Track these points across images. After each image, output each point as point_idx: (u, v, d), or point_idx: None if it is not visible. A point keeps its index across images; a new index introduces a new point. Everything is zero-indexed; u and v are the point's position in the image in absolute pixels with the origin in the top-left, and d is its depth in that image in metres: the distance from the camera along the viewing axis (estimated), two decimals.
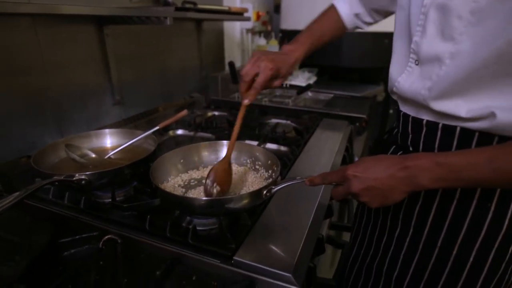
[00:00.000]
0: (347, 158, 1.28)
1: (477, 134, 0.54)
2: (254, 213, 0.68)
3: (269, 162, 0.75)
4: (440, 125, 0.59)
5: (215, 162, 0.73)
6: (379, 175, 0.50)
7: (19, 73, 0.91)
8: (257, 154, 0.80)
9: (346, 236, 1.00)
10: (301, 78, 1.99)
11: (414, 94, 0.60)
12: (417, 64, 0.60)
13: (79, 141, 0.88)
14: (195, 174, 0.79)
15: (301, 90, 1.62)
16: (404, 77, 0.63)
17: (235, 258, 0.57)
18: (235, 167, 0.81)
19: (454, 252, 0.60)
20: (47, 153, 0.81)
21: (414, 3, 0.59)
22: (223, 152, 0.82)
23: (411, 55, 0.61)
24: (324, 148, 1.07)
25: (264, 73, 0.69)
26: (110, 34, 1.14)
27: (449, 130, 0.58)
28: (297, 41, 0.82)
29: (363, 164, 0.52)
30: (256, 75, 0.70)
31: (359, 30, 0.93)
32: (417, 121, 0.63)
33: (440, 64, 0.55)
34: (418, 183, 0.48)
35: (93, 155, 0.84)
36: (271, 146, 1.10)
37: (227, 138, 1.13)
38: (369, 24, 0.90)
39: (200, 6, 1.42)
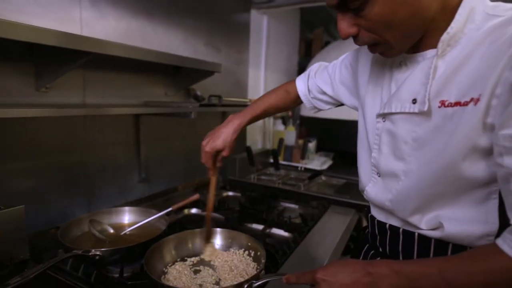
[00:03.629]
0: (352, 247, 1.29)
1: (433, 240, 0.59)
2: None
3: (259, 253, 0.80)
4: (401, 230, 0.64)
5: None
6: (345, 281, 0.52)
7: (63, 152, 1.08)
8: (249, 244, 0.86)
9: None
10: (317, 162, 2.09)
11: (380, 204, 0.67)
12: (379, 176, 0.67)
13: (102, 216, 1.00)
14: (190, 261, 0.84)
15: (312, 176, 1.71)
16: (371, 186, 0.69)
17: None
18: (225, 254, 0.86)
19: None
20: (73, 227, 0.93)
21: (370, 123, 0.68)
22: (216, 239, 0.92)
23: (373, 168, 0.68)
24: (326, 238, 1.10)
25: (205, 157, 0.86)
26: (144, 122, 1.34)
27: (409, 235, 0.62)
28: (243, 111, 0.91)
29: (331, 269, 0.55)
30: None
31: None
32: (382, 224, 0.68)
33: (397, 180, 0.62)
34: None
35: (111, 231, 0.95)
36: (276, 231, 1.16)
37: (236, 220, 1.20)
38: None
39: (225, 99, 1.63)
